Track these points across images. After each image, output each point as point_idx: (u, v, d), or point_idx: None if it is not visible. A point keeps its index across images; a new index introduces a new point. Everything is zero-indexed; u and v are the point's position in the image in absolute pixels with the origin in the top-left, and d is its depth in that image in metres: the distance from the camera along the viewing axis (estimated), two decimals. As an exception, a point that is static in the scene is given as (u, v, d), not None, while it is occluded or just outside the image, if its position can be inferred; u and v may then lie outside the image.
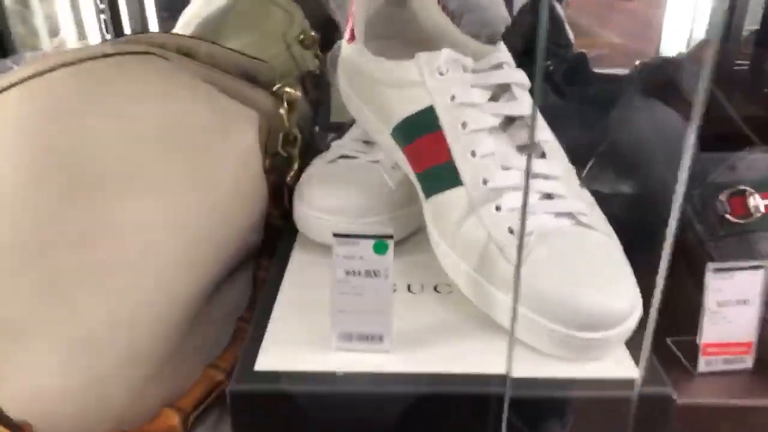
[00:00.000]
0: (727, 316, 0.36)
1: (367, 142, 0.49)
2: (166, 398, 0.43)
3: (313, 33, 0.76)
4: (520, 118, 0.38)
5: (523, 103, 0.39)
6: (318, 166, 0.48)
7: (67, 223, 0.37)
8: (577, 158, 0.42)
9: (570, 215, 0.36)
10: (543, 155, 0.38)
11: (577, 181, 0.40)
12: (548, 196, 0.37)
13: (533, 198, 0.36)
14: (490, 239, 0.35)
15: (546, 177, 0.37)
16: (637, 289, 0.35)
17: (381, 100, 0.42)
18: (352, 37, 0.45)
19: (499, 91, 0.39)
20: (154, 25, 0.88)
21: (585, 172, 0.57)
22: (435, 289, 0.41)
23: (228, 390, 0.33)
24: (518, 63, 0.40)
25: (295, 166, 0.55)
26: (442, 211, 0.38)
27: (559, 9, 0.90)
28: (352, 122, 0.55)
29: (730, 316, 0.36)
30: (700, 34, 1.00)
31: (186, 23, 0.76)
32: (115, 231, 0.39)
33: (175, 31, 0.74)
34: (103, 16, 0.69)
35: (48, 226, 0.37)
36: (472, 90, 0.38)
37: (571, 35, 0.88)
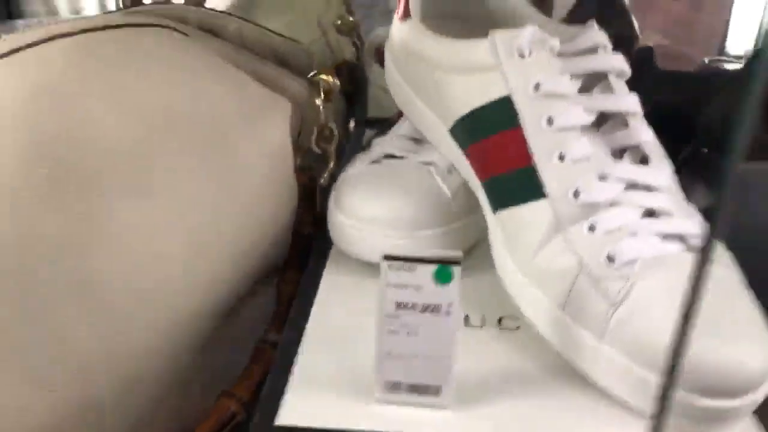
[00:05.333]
0: None
1: (418, 141, 0.41)
2: (173, 428, 0.37)
3: (351, 18, 0.69)
4: (617, 114, 0.31)
5: (621, 97, 0.31)
6: (359, 166, 0.40)
7: (51, 226, 0.30)
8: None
9: (680, 238, 0.28)
10: (645, 160, 0.30)
11: (681, 194, 0.32)
12: (650, 213, 0.29)
13: (634, 215, 0.28)
14: (581, 269, 0.28)
15: (648, 188, 0.29)
16: None
17: (440, 89, 0.35)
18: (406, 14, 0.37)
19: (591, 81, 0.31)
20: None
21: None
22: (499, 322, 0.33)
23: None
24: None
25: (331, 165, 0.47)
26: (516, 229, 0.31)
27: (626, -1, 0.82)
28: (396, 117, 0.48)
29: None
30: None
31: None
32: (112, 238, 0.32)
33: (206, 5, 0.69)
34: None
35: (28, 229, 0.30)
36: (561, 77, 0.30)
37: (637, 27, 0.79)
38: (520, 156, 0.30)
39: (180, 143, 0.34)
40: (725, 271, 0.28)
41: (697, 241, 0.28)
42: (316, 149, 0.47)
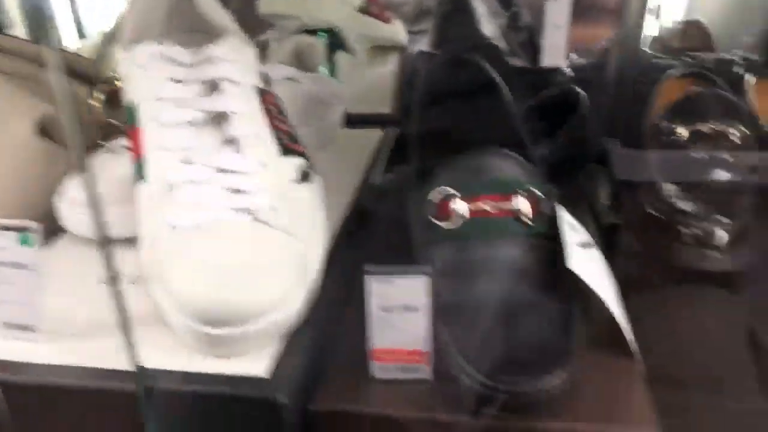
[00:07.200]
0: (394, 323, 0.34)
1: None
2: None
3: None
4: (224, 114, 0.38)
5: (229, 99, 0.38)
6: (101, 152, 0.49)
7: None
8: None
9: (248, 211, 0.36)
10: (237, 150, 0.37)
11: (289, 177, 0.40)
12: (238, 191, 0.36)
13: (213, 191, 0.36)
14: (158, 231, 0.35)
15: (234, 172, 0.37)
16: (293, 288, 0.34)
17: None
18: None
19: (214, 86, 0.39)
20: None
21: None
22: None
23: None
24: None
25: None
26: (137, 202, 0.39)
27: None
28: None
29: (397, 323, 0.34)
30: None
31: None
32: None
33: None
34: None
35: None
36: (168, 84, 0.38)
37: (488, 29, 0.85)
38: (140, 148, 0.38)
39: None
40: (279, 236, 0.36)
41: (261, 214, 0.36)
42: (102, 143, 0.56)
